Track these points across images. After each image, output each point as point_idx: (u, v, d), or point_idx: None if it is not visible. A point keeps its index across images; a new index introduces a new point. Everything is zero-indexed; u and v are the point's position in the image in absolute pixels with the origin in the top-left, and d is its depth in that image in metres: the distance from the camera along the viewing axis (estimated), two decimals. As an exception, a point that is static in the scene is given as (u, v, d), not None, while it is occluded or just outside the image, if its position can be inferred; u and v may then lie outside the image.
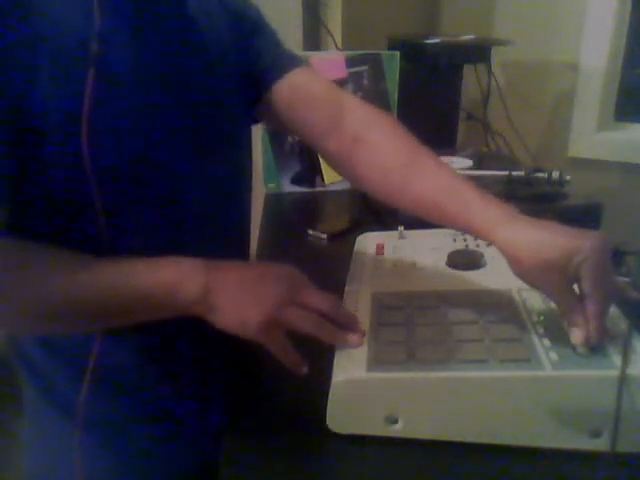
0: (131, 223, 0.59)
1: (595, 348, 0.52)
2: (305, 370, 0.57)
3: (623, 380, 0.49)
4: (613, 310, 0.58)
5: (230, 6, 0.69)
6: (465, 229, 0.61)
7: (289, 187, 1.25)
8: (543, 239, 0.54)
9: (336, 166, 0.75)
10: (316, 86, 0.74)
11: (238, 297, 0.55)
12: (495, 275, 0.66)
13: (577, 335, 0.52)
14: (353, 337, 0.58)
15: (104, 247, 0.56)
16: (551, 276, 0.53)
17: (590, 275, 0.52)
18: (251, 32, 0.72)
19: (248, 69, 0.70)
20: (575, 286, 0.54)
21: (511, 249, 0.55)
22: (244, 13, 0.72)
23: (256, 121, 0.77)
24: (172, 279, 0.54)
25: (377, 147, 0.69)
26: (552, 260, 0.52)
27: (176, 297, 0.54)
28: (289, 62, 0.73)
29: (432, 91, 1.44)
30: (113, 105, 0.54)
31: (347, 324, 0.59)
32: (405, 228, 0.81)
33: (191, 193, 0.63)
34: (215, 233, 0.66)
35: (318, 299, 0.57)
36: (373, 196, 0.70)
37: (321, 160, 1.22)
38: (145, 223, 0.60)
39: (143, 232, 0.60)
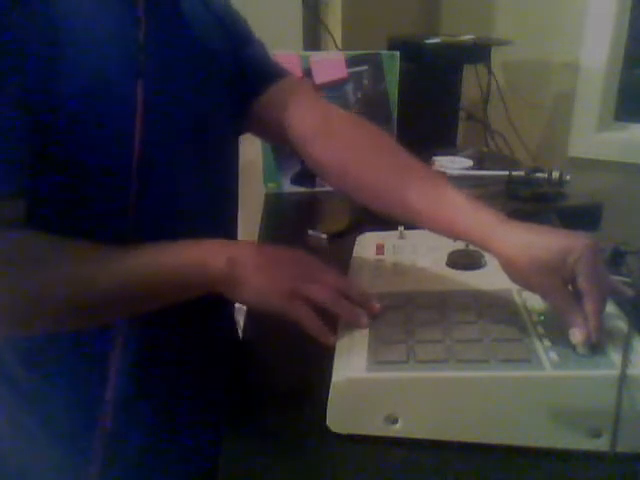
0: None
1: (595, 348, 0.52)
2: (333, 340, 0.58)
3: (623, 380, 0.49)
4: (613, 310, 0.58)
5: (220, 17, 0.70)
6: (458, 236, 0.61)
7: (289, 187, 1.25)
8: (537, 241, 0.54)
9: (321, 174, 0.75)
10: (303, 95, 0.75)
11: (261, 270, 0.58)
12: (495, 275, 0.66)
13: (577, 335, 0.52)
14: (364, 317, 0.59)
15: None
16: (547, 277, 0.53)
17: (586, 273, 0.52)
18: (240, 43, 0.73)
19: (237, 78, 0.71)
20: (569, 287, 0.54)
21: (506, 252, 0.55)
22: (233, 24, 0.73)
23: (241, 131, 0.78)
24: (198, 257, 0.57)
25: (365, 158, 0.69)
26: (547, 261, 0.53)
27: (205, 274, 0.56)
28: (277, 73, 0.75)
29: (432, 91, 1.44)
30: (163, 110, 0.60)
31: (361, 302, 0.61)
32: (405, 228, 0.81)
33: (189, 190, 0.64)
34: (207, 228, 0.67)
35: (334, 277, 0.60)
36: (362, 204, 0.70)
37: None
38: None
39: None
